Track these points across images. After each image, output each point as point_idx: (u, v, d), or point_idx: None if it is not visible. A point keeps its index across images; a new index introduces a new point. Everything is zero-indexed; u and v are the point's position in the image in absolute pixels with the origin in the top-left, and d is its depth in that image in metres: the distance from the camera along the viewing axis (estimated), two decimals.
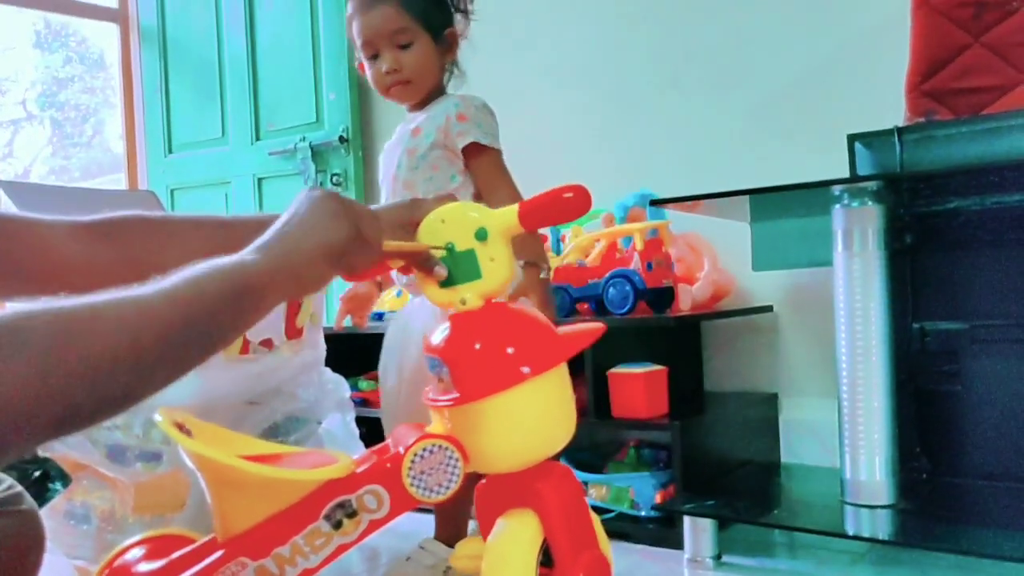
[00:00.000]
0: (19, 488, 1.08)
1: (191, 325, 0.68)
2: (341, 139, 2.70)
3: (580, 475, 1.87)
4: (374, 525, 0.86)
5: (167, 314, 0.66)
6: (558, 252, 2.18)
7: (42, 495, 1.53)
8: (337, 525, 0.84)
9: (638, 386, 1.73)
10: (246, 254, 0.75)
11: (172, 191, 2.98)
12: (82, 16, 3.18)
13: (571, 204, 0.87)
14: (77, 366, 0.59)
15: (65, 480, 1.53)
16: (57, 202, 1.67)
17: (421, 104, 1.47)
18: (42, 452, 1.51)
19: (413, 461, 0.84)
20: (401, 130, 1.49)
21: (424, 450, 0.85)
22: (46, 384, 0.57)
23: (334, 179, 2.71)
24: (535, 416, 0.87)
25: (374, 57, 1.41)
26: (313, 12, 2.74)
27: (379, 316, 2.19)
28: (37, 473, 1.52)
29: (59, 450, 1.52)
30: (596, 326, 0.95)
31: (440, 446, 0.85)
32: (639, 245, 1.84)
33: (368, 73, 1.44)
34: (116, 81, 3.11)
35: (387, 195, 1.47)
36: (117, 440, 1.51)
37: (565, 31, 2.36)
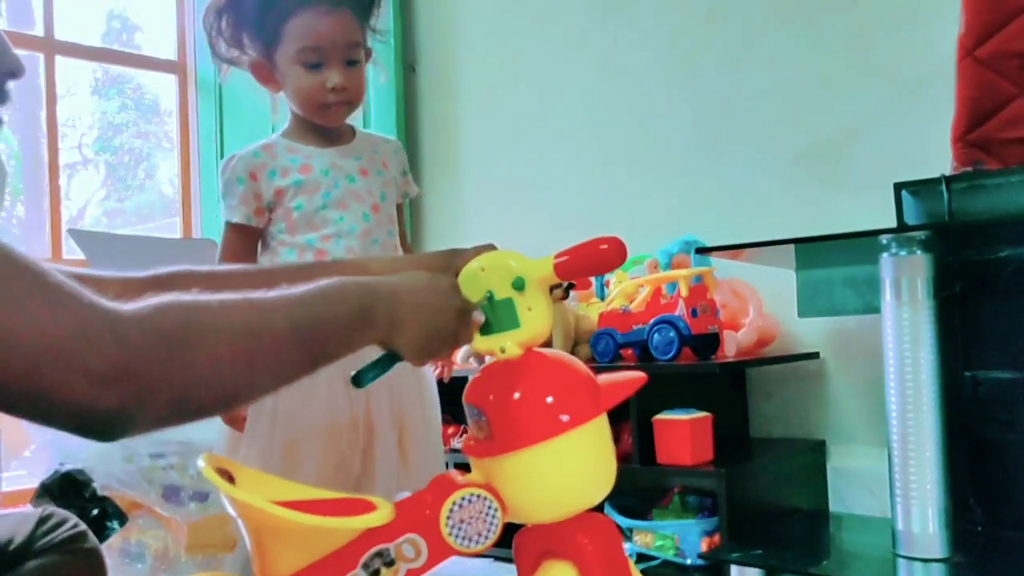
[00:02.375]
0: (83, 527, 1.11)
1: (305, 340, 0.74)
2: None
3: (625, 521, 1.86)
4: (411, 574, 0.85)
5: (287, 325, 0.72)
6: (602, 297, 2.20)
7: (100, 533, 1.57)
8: (375, 574, 0.83)
9: (683, 432, 1.73)
10: (381, 292, 0.81)
11: None
12: (142, 68, 3.32)
13: (607, 255, 0.87)
14: (199, 359, 0.65)
15: (122, 519, 1.57)
16: (121, 250, 1.73)
17: (346, 133, 1.36)
18: (101, 491, 1.55)
19: (451, 510, 0.84)
20: (360, 155, 1.34)
21: (463, 499, 0.84)
22: (166, 372, 0.62)
23: None
24: (575, 467, 0.86)
25: (316, 66, 1.25)
26: None
27: None
28: (95, 511, 1.56)
29: (117, 489, 1.56)
30: (638, 375, 0.93)
31: (479, 495, 0.85)
32: (684, 291, 1.85)
33: (295, 81, 1.26)
34: (169, 126, 3.22)
35: (355, 218, 1.30)
36: (172, 480, 1.55)
37: (612, 77, 2.40)
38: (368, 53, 1.31)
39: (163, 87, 3.45)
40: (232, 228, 1.30)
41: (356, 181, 1.31)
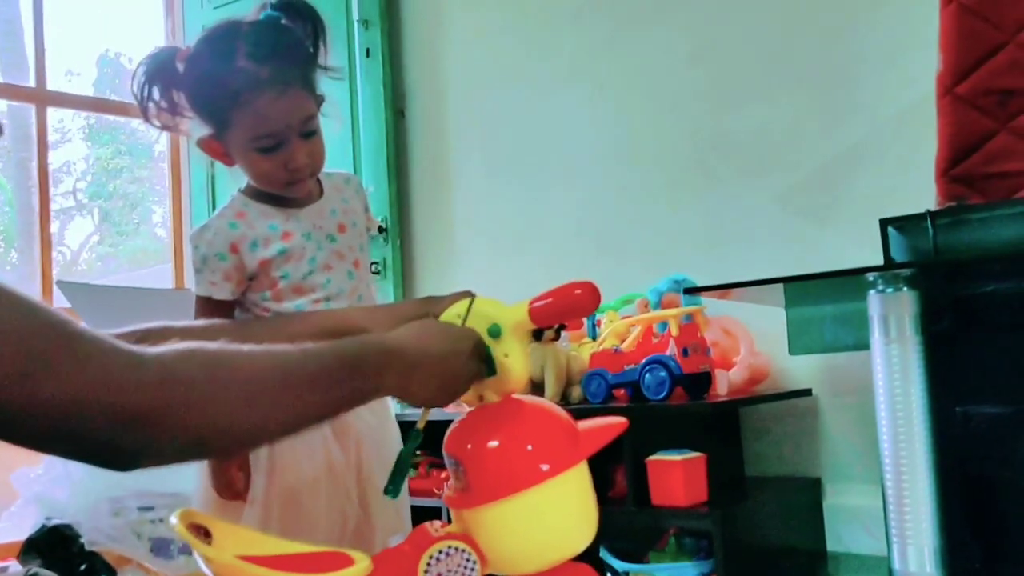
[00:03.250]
0: None
1: (322, 392, 0.76)
2: (380, 229, 2.77)
3: (621, 565, 1.84)
4: None
5: (305, 378, 0.75)
6: (594, 337, 2.19)
7: None
8: None
9: (676, 473, 1.72)
10: (389, 345, 0.83)
11: None
12: (132, 117, 3.34)
13: (580, 300, 0.86)
14: (217, 407, 0.69)
15: (110, 574, 1.55)
16: (108, 301, 1.73)
17: (314, 188, 1.30)
18: (88, 546, 1.53)
19: (429, 564, 0.82)
20: (335, 208, 1.30)
21: (440, 552, 0.83)
22: (183, 418, 0.66)
23: (373, 267, 2.77)
24: (554, 517, 0.85)
25: (272, 148, 1.17)
26: (353, 105, 2.85)
27: None
28: (83, 567, 1.54)
29: (104, 544, 1.54)
30: (618, 421, 0.92)
31: (456, 548, 0.83)
32: (674, 331, 1.85)
33: (253, 165, 1.19)
34: (163, 171, 3.24)
35: (340, 279, 1.27)
36: (161, 533, 1.53)
37: (598, 118, 2.42)
38: (320, 100, 1.23)
39: (156, 132, 3.48)
40: (211, 303, 1.22)
41: (337, 240, 1.27)
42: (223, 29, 1.17)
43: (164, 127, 1.20)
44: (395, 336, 0.85)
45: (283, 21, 1.18)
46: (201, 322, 0.99)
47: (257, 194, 1.25)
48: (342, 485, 1.25)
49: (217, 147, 1.21)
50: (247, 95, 1.13)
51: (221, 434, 0.70)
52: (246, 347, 0.74)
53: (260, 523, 1.21)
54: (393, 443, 1.34)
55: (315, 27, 1.21)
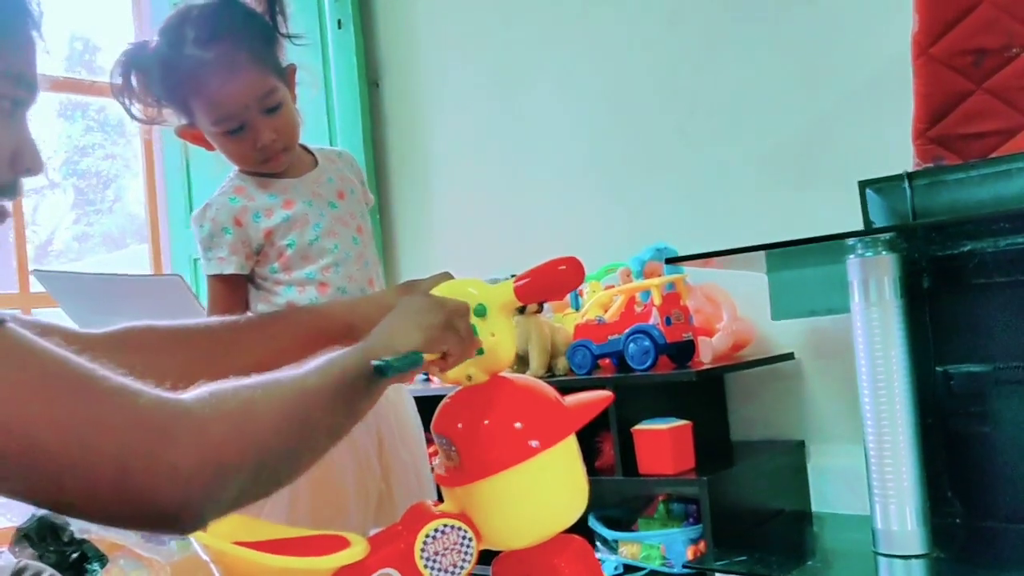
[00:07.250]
0: None
1: (334, 412, 0.76)
2: None
3: (610, 533, 1.86)
4: None
5: (320, 385, 0.75)
6: (577, 308, 2.20)
7: None
8: None
9: (664, 442, 1.74)
10: (363, 348, 0.82)
11: (195, 260, 3.03)
12: (104, 96, 3.27)
13: (565, 276, 0.88)
14: (264, 428, 0.68)
15: (102, 561, 1.55)
16: (87, 289, 1.71)
17: (306, 159, 1.30)
18: (79, 534, 1.53)
19: (425, 543, 0.84)
20: (331, 177, 1.30)
21: (436, 531, 0.85)
22: (240, 449, 0.66)
23: None
24: (547, 490, 0.87)
25: (237, 130, 1.16)
26: (327, 78, 2.81)
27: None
28: (75, 555, 1.54)
29: (96, 531, 1.54)
30: (603, 394, 0.94)
31: (452, 526, 0.85)
32: (657, 300, 1.85)
33: (223, 148, 1.19)
34: (136, 147, 3.19)
35: (347, 244, 1.26)
36: None
37: (576, 85, 2.41)
38: (292, 70, 1.22)
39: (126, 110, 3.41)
40: (223, 281, 1.21)
41: (337, 206, 1.27)
42: (174, 16, 1.16)
43: (149, 121, 1.20)
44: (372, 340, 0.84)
45: None
46: (187, 322, 0.97)
47: (252, 171, 1.25)
48: (366, 462, 1.25)
49: (195, 134, 1.20)
50: (197, 82, 1.13)
51: (276, 456, 0.70)
52: (258, 377, 0.73)
53: (287, 509, 1.20)
54: (411, 416, 1.35)
55: None
